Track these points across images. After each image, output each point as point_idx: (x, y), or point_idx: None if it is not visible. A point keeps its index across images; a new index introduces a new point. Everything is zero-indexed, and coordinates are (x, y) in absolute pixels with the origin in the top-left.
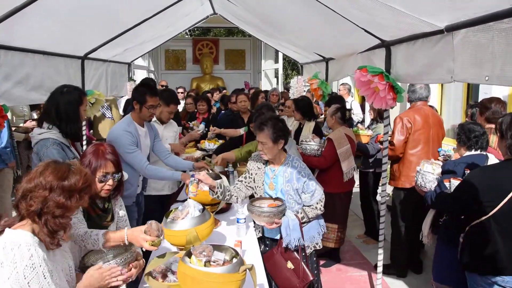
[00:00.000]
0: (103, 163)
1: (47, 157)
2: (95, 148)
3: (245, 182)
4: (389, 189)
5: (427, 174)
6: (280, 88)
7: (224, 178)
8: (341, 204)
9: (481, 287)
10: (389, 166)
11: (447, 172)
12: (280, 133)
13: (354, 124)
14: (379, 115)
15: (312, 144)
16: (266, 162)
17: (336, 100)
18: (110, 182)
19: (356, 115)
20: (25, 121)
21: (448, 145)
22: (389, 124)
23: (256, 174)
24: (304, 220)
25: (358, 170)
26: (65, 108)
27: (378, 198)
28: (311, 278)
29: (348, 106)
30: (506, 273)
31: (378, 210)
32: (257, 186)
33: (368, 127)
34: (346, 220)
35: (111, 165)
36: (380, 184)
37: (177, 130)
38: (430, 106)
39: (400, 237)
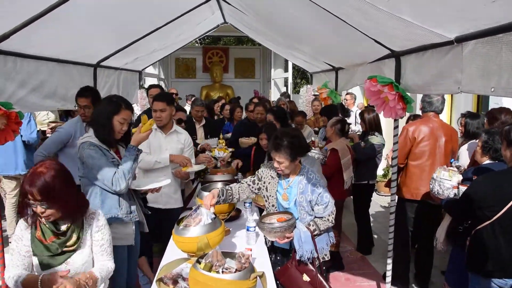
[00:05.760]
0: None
1: (86, 158)
2: (32, 170)
3: (252, 187)
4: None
5: (445, 182)
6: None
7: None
8: (339, 212)
9: None
10: (389, 176)
11: (470, 179)
12: (298, 150)
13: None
14: (371, 127)
15: (315, 153)
16: None
17: (329, 109)
18: (39, 210)
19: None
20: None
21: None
22: (398, 134)
23: (269, 183)
24: (315, 232)
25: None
26: (97, 115)
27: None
28: None
29: (352, 116)
30: (509, 276)
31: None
32: (270, 196)
33: (361, 139)
34: (341, 224)
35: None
36: (390, 194)
37: (186, 141)
38: None
39: (401, 247)
